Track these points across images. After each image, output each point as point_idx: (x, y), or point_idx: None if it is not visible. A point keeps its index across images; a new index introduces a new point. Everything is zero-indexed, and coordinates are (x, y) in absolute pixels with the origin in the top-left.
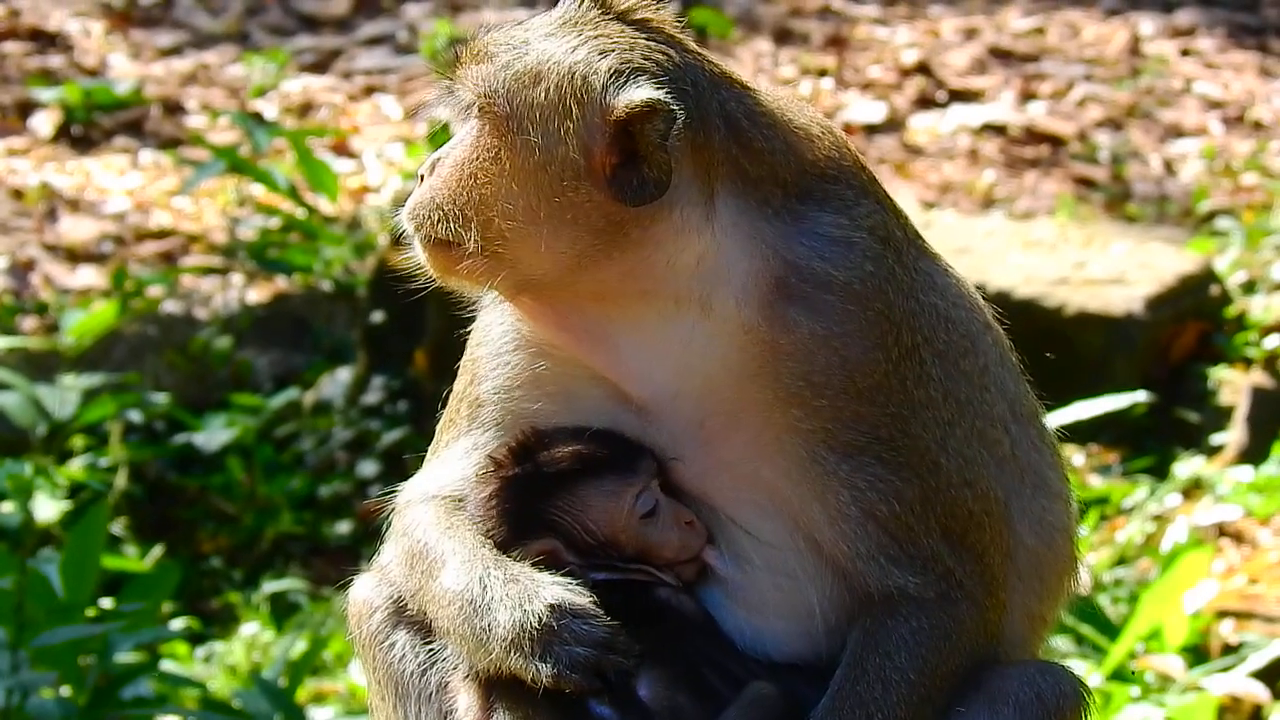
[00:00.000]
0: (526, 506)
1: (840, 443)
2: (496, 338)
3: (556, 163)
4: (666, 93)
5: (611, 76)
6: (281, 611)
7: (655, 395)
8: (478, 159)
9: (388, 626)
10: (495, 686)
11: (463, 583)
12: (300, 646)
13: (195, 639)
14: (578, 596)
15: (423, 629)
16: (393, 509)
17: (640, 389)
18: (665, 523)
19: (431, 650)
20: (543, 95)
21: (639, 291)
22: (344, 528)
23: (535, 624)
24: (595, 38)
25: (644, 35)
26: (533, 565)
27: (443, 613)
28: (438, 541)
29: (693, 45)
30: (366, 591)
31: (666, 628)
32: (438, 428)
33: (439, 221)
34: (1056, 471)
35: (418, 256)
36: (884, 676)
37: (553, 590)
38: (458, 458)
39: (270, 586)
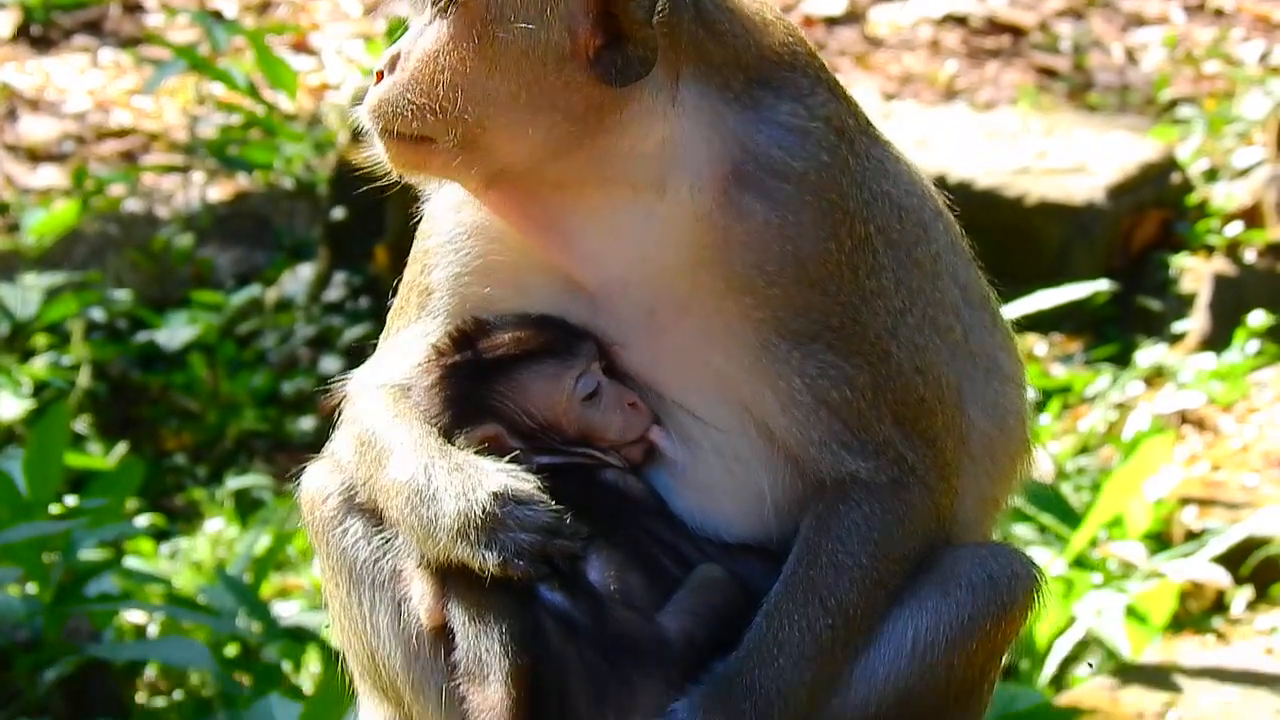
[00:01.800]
0: (469, 393)
1: (791, 331)
2: (448, 228)
3: (540, 47)
4: None
5: None
6: (245, 507)
7: (607, 283)
8: (453, 50)
9: (340, 513)
10: (448, 575)
11: (409, 472)
12: (264, 542)
13: (159, 536)
14: (522, 483)
15: (375, 516)
16: (345, 397)
17: (592, 276)
18: (608, 404)
19: (384, 538)
20: None
21: (599, 178)
22: (307, 424)
23: (479, 512)
24: None
25: None
26: (477, 452)
27: (391, 502)
28: (385, 430)
29: None
30: (320, 479)
31: (615, 511)
32: (388, 316)
33: (411, 117)
34: (1009, 355)
35: (381, 154)
36: (836, 561)
37: (497, 478)
38: (407, 345)
39: (234, 483)
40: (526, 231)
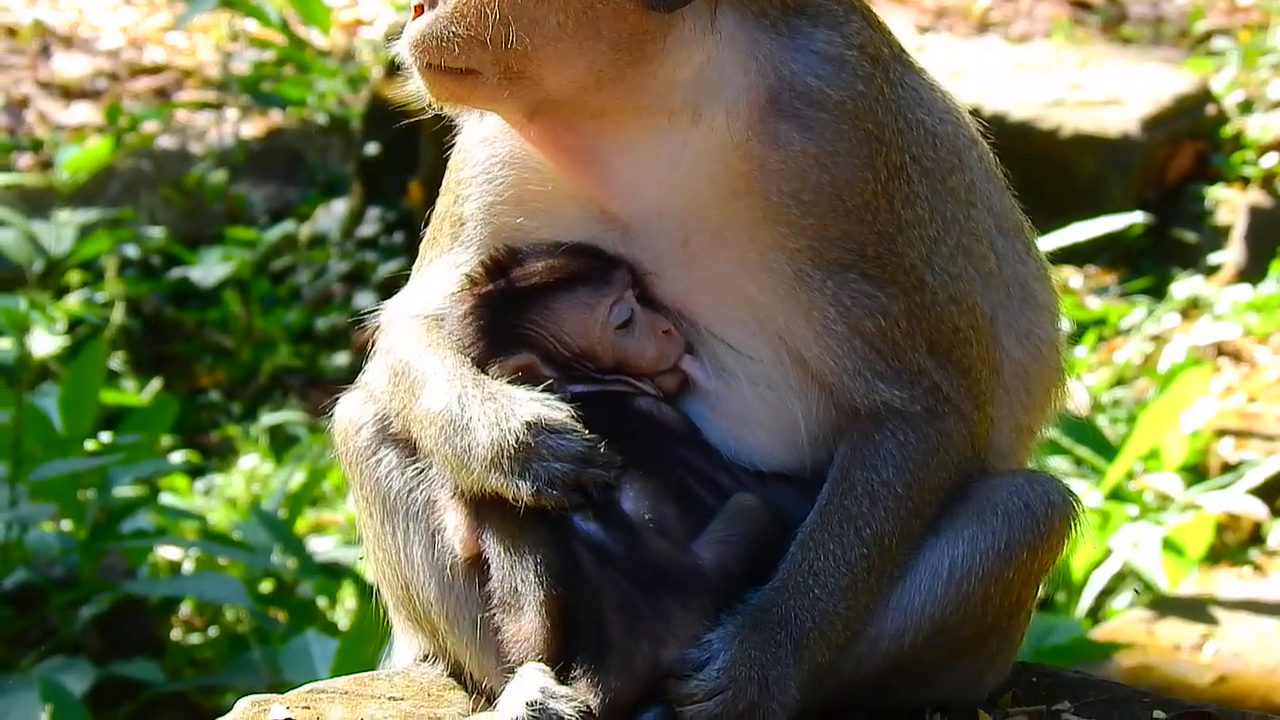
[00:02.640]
0: (502, 322)
1: (826, 260)
2: (482, 158)
3: None
4: None
5: None
6: (280, 444)
7: (641, 212)
8: None
9: (374, 443)
10: (482, 505)
11: (442, 403)
12: (299, 478)
13: (194, 472)
14: (555, 412)
15: (408, 447)
16: (378, 327)
17: (626, 206)
18: (641, 332)
19: (418, 468)
20: None
21: (636, 107)
22: (341, 359)
23: (513, 442)
24: None
25: None
26: (511, 381)
27: (425, 433)
28: (419, 360)
29: None
30: (353, 409)
31: (649, 439)
32: (421, 247)
33: (457, 50)
34: (1042, 283)
35: (422, 88)
36: (871, 491)
37: (530, 407)
38: (440, 276)
39: (268, 419)
40: (561, 161)
